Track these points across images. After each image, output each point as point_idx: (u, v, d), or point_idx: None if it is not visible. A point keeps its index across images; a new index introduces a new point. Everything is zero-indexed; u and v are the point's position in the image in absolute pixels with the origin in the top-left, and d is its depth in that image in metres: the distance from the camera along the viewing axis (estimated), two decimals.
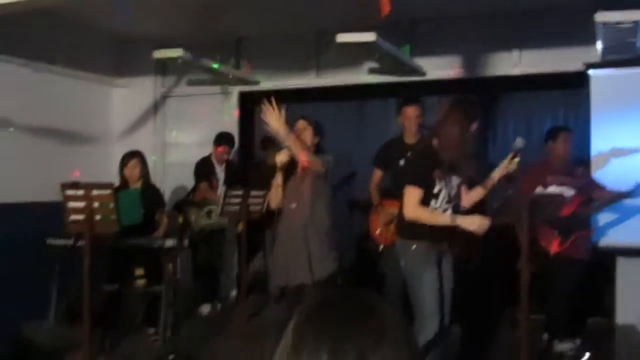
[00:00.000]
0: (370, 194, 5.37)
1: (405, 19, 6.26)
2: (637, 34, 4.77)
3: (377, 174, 5.35)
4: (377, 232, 5.24)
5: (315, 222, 4.32)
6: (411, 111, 5.13)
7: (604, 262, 5.47)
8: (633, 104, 5.48)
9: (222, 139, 6.56)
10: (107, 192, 4.43)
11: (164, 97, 7.38)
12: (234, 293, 6.88)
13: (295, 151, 4.18)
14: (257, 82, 6.93)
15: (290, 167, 4.37)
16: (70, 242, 4.87)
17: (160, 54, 5.80)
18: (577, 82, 5.86)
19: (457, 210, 3.96)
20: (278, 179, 4.38)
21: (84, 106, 6.91)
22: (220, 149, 6.51)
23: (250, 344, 4.71)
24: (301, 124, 4.47)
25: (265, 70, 6.93)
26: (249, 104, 7.19)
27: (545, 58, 5.93)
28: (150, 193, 5.35)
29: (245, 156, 7.18)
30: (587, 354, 4.96)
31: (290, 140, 4.17)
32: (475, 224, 3.74)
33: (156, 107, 7.36)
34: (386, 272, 5.28)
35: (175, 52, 5.72)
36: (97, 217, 4.39)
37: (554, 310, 5.04)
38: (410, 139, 5.16)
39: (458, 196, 3.99)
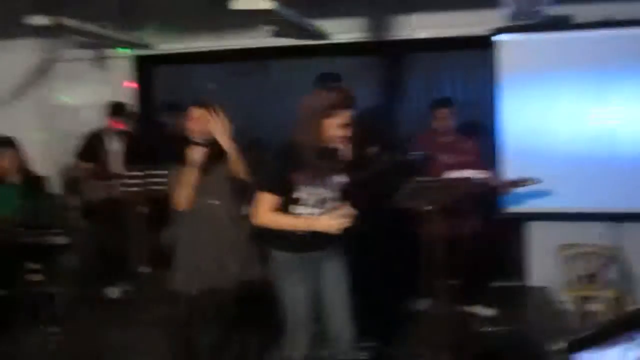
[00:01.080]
0: None
1: None
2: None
3: None
4: None
5: (242, 222, 3.97)
6: None
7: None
8: (537, 70, 5.41)
9: (117, 110, 6.06)
10: None
11: (48, 60, 6.72)
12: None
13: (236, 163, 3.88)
14: (147, 46, 6.41)
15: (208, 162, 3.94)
16: None
17: (31, 20, 5.18)
18: (478, 45, 5.72)
19: None
20: (192, 177, 3.90)
21: None
22: (115, 122, 6.03)
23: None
24: (196, 112, 4.00)
25: (158, 31, 6.41)
26: (147, 68, 6.68)
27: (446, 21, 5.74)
28: (34, 186, 4.85)
29: (146, 124, 6.71)
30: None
31: (233, 151, 3.90)
32: (331, 224, 3.20)
33: (40, 73, 6.70)
34: None
35: (47, 20, 5.12)
36: None
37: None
38: None
39: (346, 197, 3.44)
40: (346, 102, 3.28)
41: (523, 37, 5.47)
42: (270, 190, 3.30)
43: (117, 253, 6.09)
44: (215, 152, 3.91)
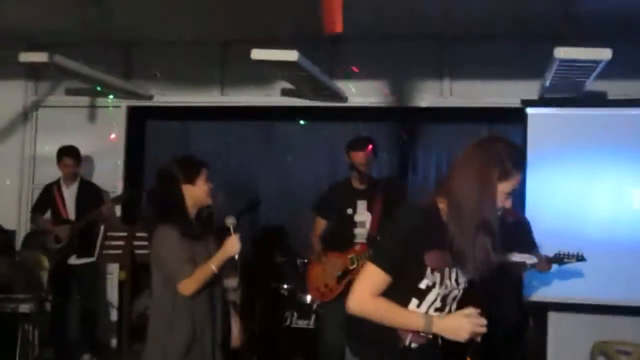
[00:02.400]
0: (312, 245, 4.54)
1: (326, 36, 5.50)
2: (590, 73, 4.23)
3: (320, 223, 4.53)
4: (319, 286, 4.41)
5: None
6: (361, 156, 4.32)
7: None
8: (570, 145, 5.02)
9: (64, 152, 5.54)
10: None
11: (36, 105, 6.17)
12: (114, 342, 5.82)
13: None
14: (149, 97, 5.89)
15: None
16: None
17: (26, 57, 4.67)
18: (508, 118, 5.37)
19: None
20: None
21: None
22: (66, 162, 5.50)
23: None
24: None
25: (159, 82, 5.92)
26: (139, 121, 6.15)
27: (477, 90, 5.36)
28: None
29: (131, 181, 6.11)
30: None
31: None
32: (463, 329, 2.12)
33: (26, 118, 6.14)
34: (324, 329, 4.56)
35: (44, 57, 4.61)
36: None
37: None
38: (358, 184, 4.41)
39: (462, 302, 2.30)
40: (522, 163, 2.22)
41: (557, 110, 5.10)
42: (385, 267, 2.15)
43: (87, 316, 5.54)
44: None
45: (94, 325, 5.65)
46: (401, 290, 2.16)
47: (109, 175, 5.95)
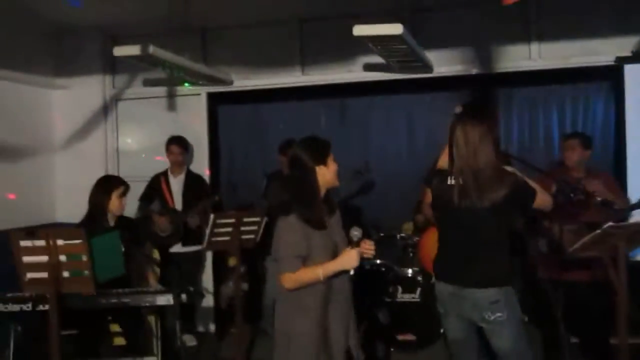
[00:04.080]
0: (425, 215, 4.49)
1: (407, 6, 5.42)
2: None
3: (430, 194, 4.47)
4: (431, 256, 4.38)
5: None
6: None
7: None
8: None
9: (173, 140, 5.63)
10: (77, 242, 3.34)
11: (115, 99, 6.19)
12: (212, 327, 5.90)
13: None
14: (230, 82, 5.87)
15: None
16: (28, 306, 3.71)
17: (119, 51, 4.66)
18: (600, 76, 5.27)
19: None
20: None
21: (19, 112, 5.67)
22: (173, 150, 5.58)
23: None
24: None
25: (237, 67, 5.90)
26: (220, 107, 6.15)
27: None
28: (127, 227, 4.20)
29: (219, 170, 6.14)
30: None
31: None
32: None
33: (106, 112, 6.17)
34: None
35: (139, 50, 4.59)
36: (65, 274, 3.34)
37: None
38: None
39: None
40: None
41: None
42: None
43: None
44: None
45: (194, 311, 5.75)
46: None
47: (195, 163, 5.96)
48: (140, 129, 6.19)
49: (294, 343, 2.97)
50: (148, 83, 6.06)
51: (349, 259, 2.91)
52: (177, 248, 5.50)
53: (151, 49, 4.53)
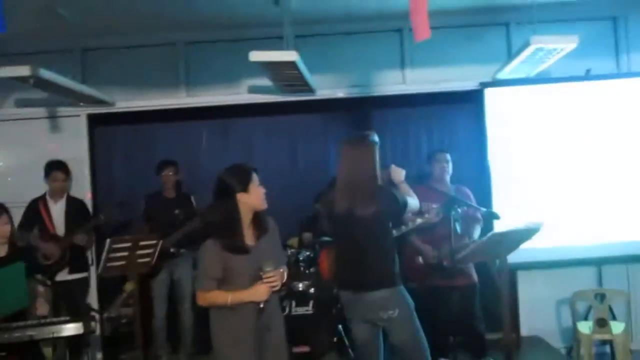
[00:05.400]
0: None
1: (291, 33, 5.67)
2: (553, 57, 4.74)
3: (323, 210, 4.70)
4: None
5: None
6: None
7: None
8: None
9: (55, 166, 5.42)
10: None
11: None
12: (98, 355, 5.72)
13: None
14: (111, 103, 5.77)
15: None
16: None
17: (6, 72, 4.46)
18: (465, 99, 5.85)
19: None
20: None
21: None
22: (57, 177, 5.38)
23: None
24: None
25: (119, 88, 5.81)
26: (102, 129, 6.01)
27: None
28: (19, 255, 4.01)
29: (98, 193, 5.98)
30: None
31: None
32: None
33: None
34: None
35: (26, 70, 4.42)
36: None
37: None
38: None
39: None
40: None
41: (512, 90, 5.62)
42: None
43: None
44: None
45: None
46: None
47: (75, 186, 5.77)
48: (15, 151, 5.86)
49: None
50: (23, 103, 5.78)
51: (256, 293, 3.12)
52: (62, 276, 5.28)
53: (41, 71, 4.39)
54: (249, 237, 3.20)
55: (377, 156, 3.62)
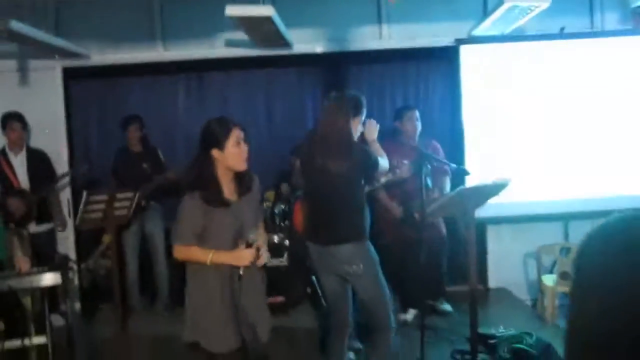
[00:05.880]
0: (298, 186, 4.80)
1: None
2: (526, 15, 4.80)
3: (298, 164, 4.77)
4: None
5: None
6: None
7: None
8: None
9: (9, 118, 5.38)
10: None
11: None
12: (77, 305, 5.81)
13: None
14: (86, 56, 5.72)
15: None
16: None
17: None
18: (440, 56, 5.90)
19: None
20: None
21: None
22: (15, 127, 5.35)
23: None
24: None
25: (92, 40, 5.76)
26: (77, 83, 5.97)
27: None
28: None
29: (76, 146, 5.98)
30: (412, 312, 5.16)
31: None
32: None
33: None
34: None
35: None
36: None
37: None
38: None
39: None
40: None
41: (486, 47, 5.68)
42: None
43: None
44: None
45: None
46: None
47: (50, 140, 5.77)
48: None
49: (197, 315, 3.12)
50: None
51: (239, 258, 3.01)
52: (31, 228, 5.31)
53: (12, 23, 4.34)
54: (229, 193, 3.12)
55: (352, 113, 3.66)
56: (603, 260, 1.03)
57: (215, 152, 3.04)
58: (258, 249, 3.03)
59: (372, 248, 3.67)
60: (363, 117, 3.75)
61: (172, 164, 5.68)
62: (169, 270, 5.75)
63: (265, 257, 3.16)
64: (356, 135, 3.69)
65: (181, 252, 3.07)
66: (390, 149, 4.06)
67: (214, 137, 3.04)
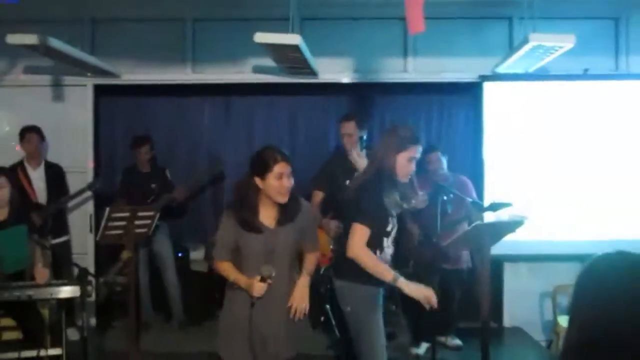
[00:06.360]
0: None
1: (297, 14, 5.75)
2: (551, 54, 4.83)
3: (318, 195, 4.83)
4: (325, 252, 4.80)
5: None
6: (349, 127, 4.68)
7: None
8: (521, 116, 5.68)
9: (27, 130, 5.49)
10: None
11: None
12: (92, 321, 5.87)
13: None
14: (117, 75, 5.86)
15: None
16: None
17: (14, 39, 4.56)
18: (464, 91, 5.94)
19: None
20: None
21: None
22: (32, 139, 5.46)
23: None
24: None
25: (124, 59, 5.91)
26: (107, 100, 6.12)
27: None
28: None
29: (101, 162, 6.11)
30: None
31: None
32: (421, 294, 3.26)
33: None
34: None
35: (33, 39, 4.53)
36: None
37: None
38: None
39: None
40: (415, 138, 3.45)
41: (510, 84, 5.72)
42: (370, 222, 3.30)
43: None
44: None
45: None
46: (375, 234, 3.32)
47: (77, 154, 5.90)
48: (19, 118, 5.95)
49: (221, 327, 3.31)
50: (31, 70, 5.89)
51: (250, 287, 3.08)
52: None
53: (50, 40, 4.49)
54: (268, 219, 3.18)
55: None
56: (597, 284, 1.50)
57: (257, 180, 3.12)
58: (269, 283, 3.06)
59: (371, 293, 3.38)
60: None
61: (180, 184, 5.81)
62: (180, 288, 5.81)
63: (301, 308, 3.24)
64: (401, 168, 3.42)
65: (217, 266, 3.29)
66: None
67: (258, 166, 3.12)
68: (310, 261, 3.40)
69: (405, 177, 3.42)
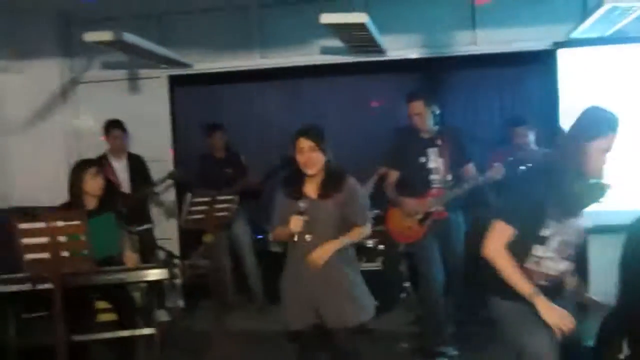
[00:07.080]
0: (389, 195, 4.83)
1: None
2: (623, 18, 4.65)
3: (393, 175, 4.84)
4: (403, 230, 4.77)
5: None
6: (417, 106, 4.65)
7: None
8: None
9: (111, 126, 5.75)
10: (77, 222, 3.54)
11: (73, 82, 6.24)
12: (180, 303, 6.11)
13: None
14: (189, 65, 6.04)
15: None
16: (26, 286, 3.83)
17: (90, 37, 4.77)
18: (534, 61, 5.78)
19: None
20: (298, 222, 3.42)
21: None
22: (116, 134, 5.72)
23: None
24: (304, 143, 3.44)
25: (195, 50, 6.07)
26: (180, 90, 6.32)
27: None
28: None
29: (180, 150, 6.32)
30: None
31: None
32: (555, 317, 2.65)
33: (64, 95, 6.21)
34: (420, 269, 4.75)
35: (112, 36, 4.73)
36: (64, 253, 3.52)
37: None
38: (425, 134, 4.69)
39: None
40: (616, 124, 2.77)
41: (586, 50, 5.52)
42: (515, 222, 2.73)
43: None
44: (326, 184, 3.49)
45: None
46: (522, 238, 2.74)
47: (156, 144, 6.13)
48: (100, 111, 6.23)
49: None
50: (108, 66, 6.14)
51: (290, 224, 3.38)
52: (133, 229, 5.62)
53: (124, 35, 4.68)
54: (311, 191, 3.45)
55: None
56: None
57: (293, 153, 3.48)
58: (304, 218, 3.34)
59: (519, 309, 2.78)
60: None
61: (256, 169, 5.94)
62: (258, 270, 5.97)
63: (311, 261, 3.41)
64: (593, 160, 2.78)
65: (274, 236, 3.65)
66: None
67: (291, 141, 3.45)
68: (354, 232, 3.50)
69: (598, 172, 2.77)
